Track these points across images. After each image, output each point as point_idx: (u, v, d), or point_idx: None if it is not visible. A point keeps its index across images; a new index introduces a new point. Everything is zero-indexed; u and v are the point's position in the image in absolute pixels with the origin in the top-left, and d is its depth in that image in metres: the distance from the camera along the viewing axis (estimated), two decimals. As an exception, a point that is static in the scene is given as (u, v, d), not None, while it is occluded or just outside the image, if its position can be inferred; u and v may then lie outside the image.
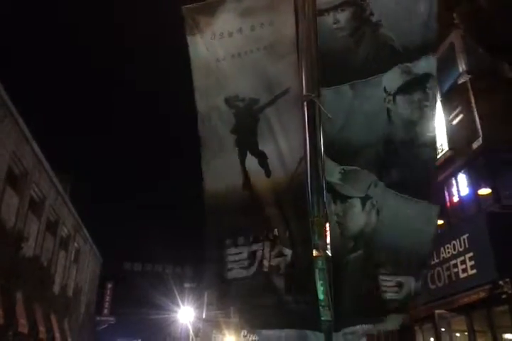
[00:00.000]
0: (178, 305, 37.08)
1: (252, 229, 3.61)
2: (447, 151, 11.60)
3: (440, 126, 11.79)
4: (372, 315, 3.29)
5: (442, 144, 11.72)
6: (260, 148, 3.67)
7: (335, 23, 3.55)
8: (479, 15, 6.43)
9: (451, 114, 11.78)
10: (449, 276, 10.67)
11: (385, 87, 3.45)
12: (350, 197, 3.35)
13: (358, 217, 3.35)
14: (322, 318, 3.10)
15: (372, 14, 3.53)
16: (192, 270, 48.44)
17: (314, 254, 3.17)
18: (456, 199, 12.02)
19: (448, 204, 12.27)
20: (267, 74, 3.71)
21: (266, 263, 3.51)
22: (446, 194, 12.28)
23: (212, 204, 3.78)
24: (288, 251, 3.43)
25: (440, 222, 12.72)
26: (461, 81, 11.66)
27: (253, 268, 3.55)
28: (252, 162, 3.67)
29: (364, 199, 3.36)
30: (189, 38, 3.89)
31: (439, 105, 12.01)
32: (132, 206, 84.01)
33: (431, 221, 3.47)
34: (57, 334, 21.89)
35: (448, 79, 12.36)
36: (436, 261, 11.15)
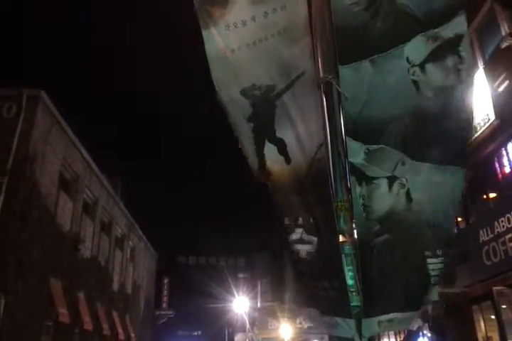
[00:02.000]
0: (233, 295, 37.64)
1: (297, 212, 3.57)
2: (494, 120, 11.11)
3: (485, 94, 11.32)
4: (404, 301, 3.20)
5: (488, 113, 11.26)
6: (278, 135, 3.62)
7: None
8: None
9: (496, 81, 11.24)
10: (505, 251, 10.30)
11: (407, 58, 3.31)
12: (376, 178, 3.24)
13: (384, 199, 3.24)
14: (352, 304, 3.05)
15: None
16: (245, 260, 48.99)
17: (340, 240, 3.12)
18: (508, 170, 11.55)
19: (499, 175, 11.81)
20: (282, 59, 3.65)
21: (305, 247, 3.49)
22: (497, 165, 11.80)
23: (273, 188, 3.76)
24: (313, 239, 3.39)
25: (492, 194, 12.33)
26: (504, 45, 11.05)
27: (302, 252, 3.54)
28: (270, 150, 3.63)
29: (391, 180, 3.25)
30: (204, 31, 3.86)
31: (481, 72, 11.58)
32: (183, 200, 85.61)
33: (458, 185, 3.34)
34: (119, 330, 22.78)
35: (490, 43, 11.76)
36: (491, 236, 10.80)
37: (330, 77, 3.35)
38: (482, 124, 11.46)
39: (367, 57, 3.32)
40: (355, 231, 3.17)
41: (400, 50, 3.32)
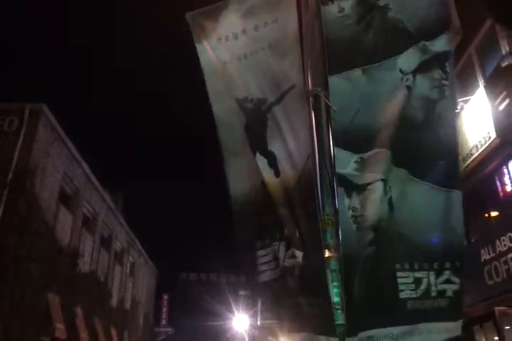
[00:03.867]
0: (233, 313, 37.24)
1: (273, 230, 3.53)
2: (495, 138, 11.10)
3: (486, 113, 11.34)
4: (388, 316, 3.06)
5: (489, 132, 11.25)
6: (269, 148, 3.60)
7: (340, 12, 3.43)
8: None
9: (496, 100, 11.26)
10: (508, 270, 10.17)
11: (400, 69, 3.31)
12: (370, 184, 3.17)
13: (379, 202, 3.15)
14: (337, 322, 2.93)
15: None
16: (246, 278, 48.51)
17: (326, 255, 3.04)
18: (509, 188, 11.49)
19: (501, 194, 11.75)
20: (273, 73, 3.66)
21: (281, 264, 3.42)
22: (498, 184, 11.76)
23: (238, 206, 3.73)
24: (299, 253, 3.30)
25: (494, 213, 12.25)
26: (504, 63, 11.11)
27: (278, 270, 3.47)
28: (261, 162, 3.60)
29: (385, 183, 3.18)
30: (197, 45, 3.91)
31: (482, 90, 11.61)
32: (184, 216, 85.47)
33: (457, 209, 3.25)
34: (118, 347, 22.46)
35: (491, 62, 11.82)
36: (493, 255, 10.68)
37: (319, 89, 3.34)
38: (483, 142, 11.45)
39: (358, 66, 3.32)
40: (339, 246, 3.08)
41: (393, 62, 3.33)
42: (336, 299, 2.95)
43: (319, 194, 3.16)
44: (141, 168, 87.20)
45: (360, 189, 3.18)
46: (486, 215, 12.23)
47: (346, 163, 3.17)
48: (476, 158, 11.66)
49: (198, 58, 3.94)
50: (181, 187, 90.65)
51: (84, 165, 18.64)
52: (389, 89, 3.32)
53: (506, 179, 11.50)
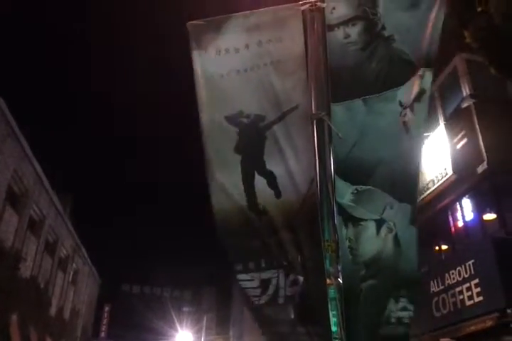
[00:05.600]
0: (176, 330, 36.44)
1: (262, 254, 3.44)
2: (451, 175, 11.47)
3: (444, 150, 11.72)
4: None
5: (446, 168, 11.61)
6: (268, 167, 3.54)
7: (345, 38, 3.49)
8: (493, 33, 6.42)
9: (455, 138, 11.70)
10: (455, 303, 10.38)
11: (400, 101, 3.35)
12: (364, 220, 3.19)
13: (372, 242, 3.17)
14: None
15: (384, 28, 3.46)
16: (191, 293, 47.79)
17: (327, 282, 2.99)
18: (460, 224, 11.84)
19: (452, 229, 12.08)
20: (274, 90, 3.64)
21: (282, 293, 3.33)
22: (451, 218, 12.10)
23: (220, 224, 3.60)
24: (300, 279, 3.26)
25: (444, 247, 12.52)
26: (464, 105, 11.65)
27: (265, 297, 3.38)
28: (260, 182, 3.53)
29: (379, 223, 3.19)
30: (193, 54, 3.84)
31: (442, 129, 12.02)
32: (131, 226, 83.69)
33: (414, 242, 3.36)
34: (51, 358, 21.42)
35: (451, 102, 12.36)
36: (441, 287, 10.89)
37: (323, 113, 3.33)
38: (440, 178, 11.83)
39: (360, 96, 3.34)
40: (340, 274, 3.04)
41: (393, 93, 3.37)
42: (334, 328, 2.89)
43: (320, 219, 3.13)
44: (94, 172, 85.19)
45: (355, 221, 3.19)
46: (437, 248, 12.54)
47: (344, 193, 3.19)
48: (431, 192, 12.01)
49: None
50: (133, 197, 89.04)
51: (36, 165, 17.92)
52: (387, 122, 3.35)
53: (459, 215, 11.87)
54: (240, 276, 3.47)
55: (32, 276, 19.01)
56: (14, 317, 16.73)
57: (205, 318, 34.64)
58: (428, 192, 12.04)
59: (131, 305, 44.34)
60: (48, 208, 20.27)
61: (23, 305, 17.74)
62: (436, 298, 10.94)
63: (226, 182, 3.61)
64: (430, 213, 12.03)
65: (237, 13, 3.83)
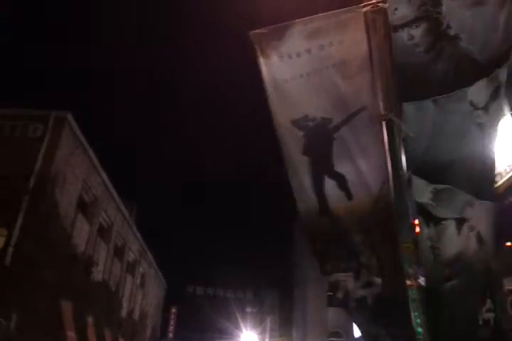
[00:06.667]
0: (240, 330, 36.84)
1: (335, 257, 3.47)
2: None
3: (511, 141, 11.28)
4: None
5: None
6: (337, 169, 3.54)
7: (409, 39, 3.46)
8: None
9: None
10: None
11: (471, 101, 3.32)
12: (445, 219, 3.13)
13: (454, 241, 3.11)
14: None
15: (449, 28, 3.39)
16: (253, 295, 48.13)
17: (407, 283, 2.93)
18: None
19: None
20: (339, 92, 3.65)
21: (352, 295, 3.37)
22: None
23: (308, 227, 3.66)
24: (377, 280, 3.22)
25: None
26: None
27: (357, 297, 3.39)
28: (330, 185, 3.53)
29: (460, 221, 3.13)
30: (259, 62, 3.95)
31: (509, 119, 11.51)
32: (195, 230, 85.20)
33: None
34: (125, 358, 22.31)
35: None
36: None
37: (392, 114, 3.32)
38: (508, 171, 11.36)
39: (429, 96, 3.32)
40: (420, 274, 3.01)
41: (464, 93, 3.33)
42: (418, 329, 2.86)
43: (396, 219, 3.10)
44: (155, 180, 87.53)
45: (437, 221, 3.14)
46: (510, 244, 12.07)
47: (422, 192, 3.14)
48: (500, 186, 11.55)
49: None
50: (194, 202, 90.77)
51: (103, 175, 18.77)
52: (460, 121, 3.33)
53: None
54: (332, 277, 3.51)
55: (104, 280, 19.92)
56: (90, 319, 17.60)
57: (268, 319, 34.88)
58: (496, 186, 11.63)
59: (196, 306, 45.27)
60: (115, 215, 21.18)
61: (97, 307, 18.64)
62: (510, 297, 10.58)
63: (298, 186, 3.68)
64: (498, 208, 11.63)
65: (297, 20, 3.89)
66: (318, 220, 3.54)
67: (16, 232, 12.82)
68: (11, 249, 12.59)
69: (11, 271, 12.33)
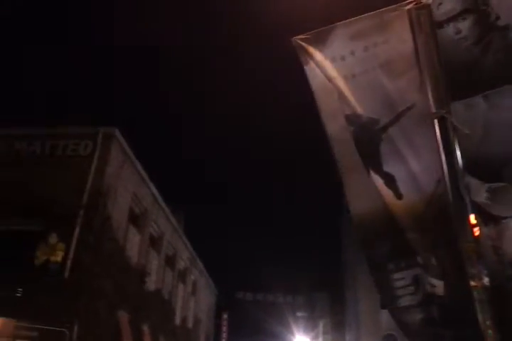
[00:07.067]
0: (292, 334, 36.78)
1: (407, 253, 3.42)
2: None
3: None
4: None
5: None
6: (385, 169, 3.53)
7: (457, 34, 3.37)
8: None
9: None
10: None
11: None
12: (504, 218, 3.01)
13: None
14: None
15: (498, 18, 3.27)
16: (303, 299, 47.95)
17: (471, 284, 2.89)
18: None
19: None
20: (386, 92, 3.62)
21: (425, 290, 3.28)
22: None
23: (360, 226, 3.65)
24: (438, 282, 3.19)
25: None
26: None
27: (419, 296, 3.35)
28: (378, 183, 3.53)
29: None
30: (305, 66, 3.98)
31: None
32: (243, 236, 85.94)
33: None
34: (182, 366, 22.69)
35: None
36: None
37: (443, 111, 3.27)
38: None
39: (479, 92, 3.22)
40: (484, 275, 2.95)
41: None
42: (488, 331, 2.82)
43: (455, 219, 3.07)
44: (201, 190, 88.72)
45: (496, 220, 3.05)
46: None
47: (478, 191, 3.07)
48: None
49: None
50: (236, 207, 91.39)
51: (152, 186, 19.28)
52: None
53: None
54: (394, 275, 3.47)
55: (157, 289, 20.38)
56: (146, 328, 18.05)
57: (321, 323, 34.68)
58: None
59: (246, 312, 45.44)
60: (164, 225, 21.67)
61: (152, 315, 19.10)
62: None
63: (359, 184, 3.68)
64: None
65: (339, 23, 3.88)
66: (381, 216, 3.52)
67: (73, 246, 13.37)
68: (69, 262, 13.14)
69: (70, 283, 12.85)
